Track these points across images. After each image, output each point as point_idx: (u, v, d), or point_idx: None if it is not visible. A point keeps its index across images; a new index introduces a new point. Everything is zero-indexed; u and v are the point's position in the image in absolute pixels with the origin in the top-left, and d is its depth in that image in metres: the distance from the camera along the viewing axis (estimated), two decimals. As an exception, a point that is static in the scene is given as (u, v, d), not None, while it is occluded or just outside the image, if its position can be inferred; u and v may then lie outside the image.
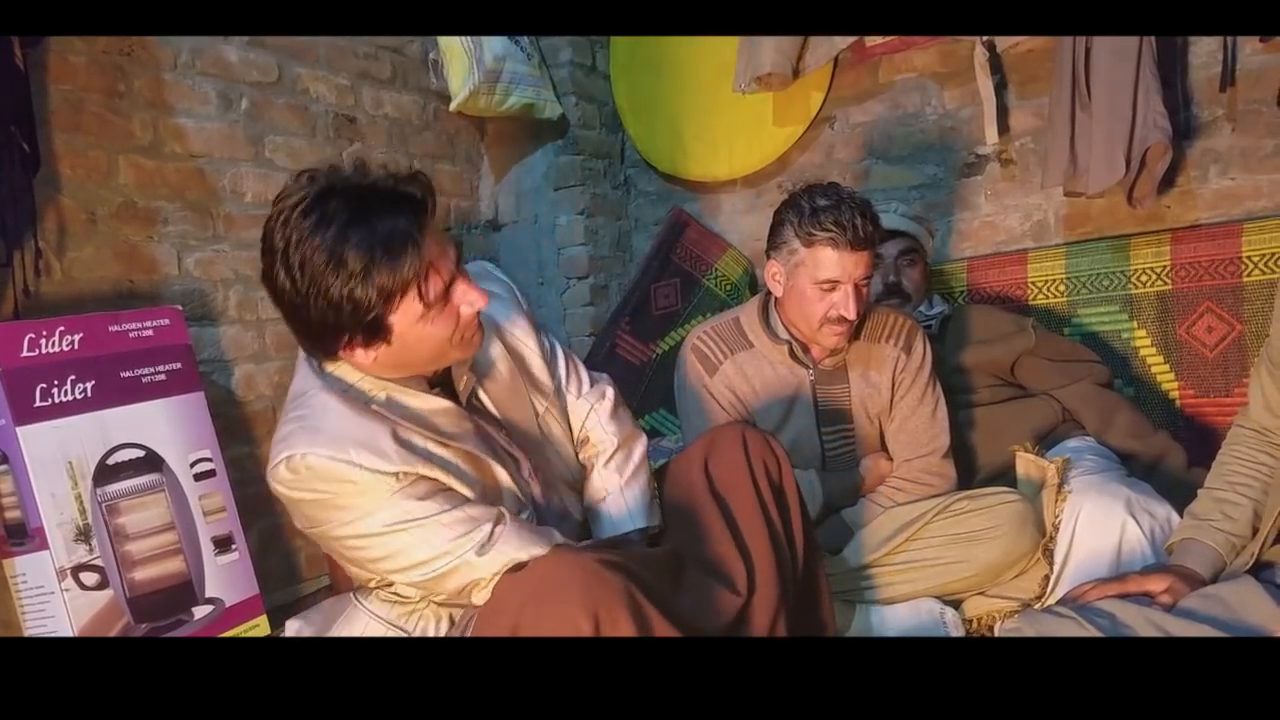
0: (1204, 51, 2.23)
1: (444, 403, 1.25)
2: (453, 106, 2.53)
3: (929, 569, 1.69)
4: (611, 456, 1.45)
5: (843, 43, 2.40)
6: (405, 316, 1.13)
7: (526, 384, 1.38)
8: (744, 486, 1.35)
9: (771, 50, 2.40)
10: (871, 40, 2.49)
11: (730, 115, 2.76)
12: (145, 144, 1.95)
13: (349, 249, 1.07)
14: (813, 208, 1.70)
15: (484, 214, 2.94)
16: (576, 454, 1.46)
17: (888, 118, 2.67)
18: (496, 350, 1.35)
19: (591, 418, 1.46)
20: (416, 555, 1.18)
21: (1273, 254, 1.99)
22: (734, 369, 1.86)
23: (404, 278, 1.10)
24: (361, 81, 2.46)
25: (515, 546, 1.19)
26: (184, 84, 2.03)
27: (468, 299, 1.18)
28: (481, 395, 1.33)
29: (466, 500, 1.22)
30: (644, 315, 2.80)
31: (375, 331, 1.13)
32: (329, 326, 1.12)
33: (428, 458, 1.20)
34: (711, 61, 2.73)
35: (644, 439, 1.50)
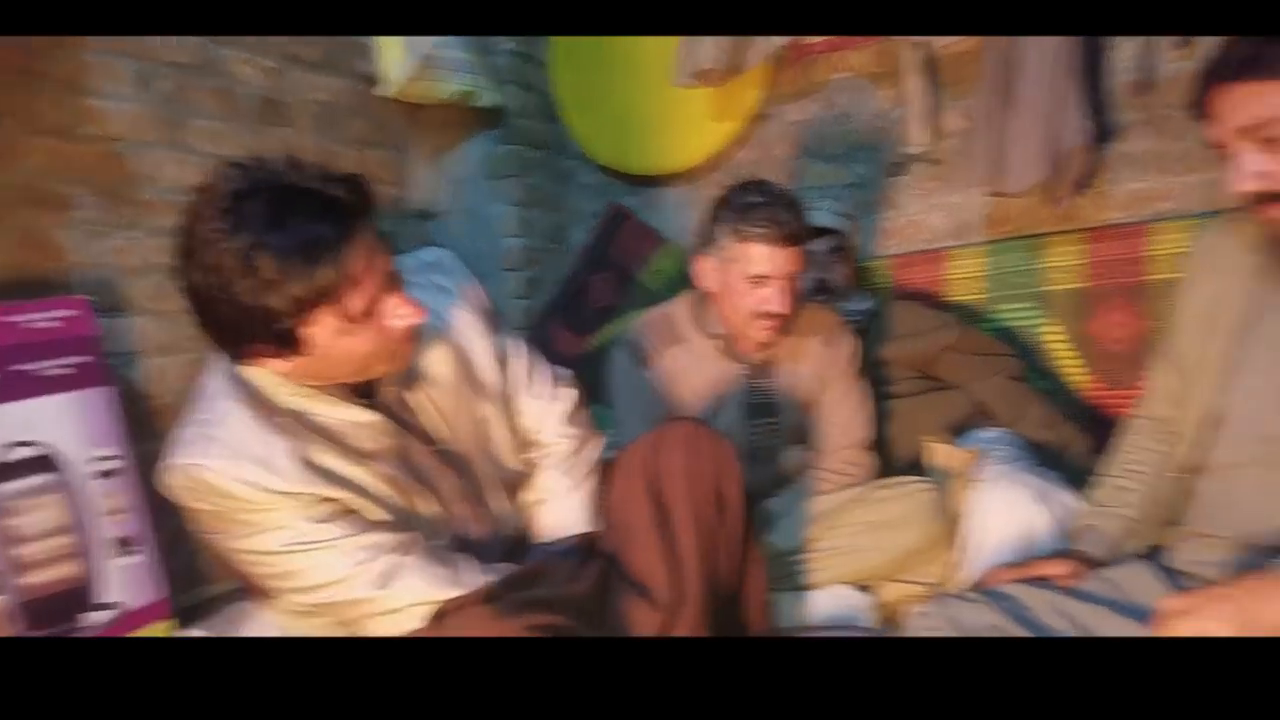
0: (1124, 55, 2.31)
1: (366, 415, 1.19)
2: (386, 92, 2.50)
3: (846, 556, 1.74)
4: (563, 459, 1.43)
5: (781, 40, 2.43)
6: (322, 329, 1.07)
7: (470, 389, 1.33)
8: (686, 488, 1.32)
9: (711, 45, 2.43)
10: (809, 38, 2.53)
11: (670, 109, 2.78)
12: (57, 125, 1.89)
13: (263, 255, 1.01)
14: (745, 204, 1.73)
15: (415, 203, 2.91)
16: (522, 457, 1.42)
17: (821, 116, 2.72)
18: (440, 354, 1.29)
19: (549, 419, 1.43)
20: (311, 579, 1.15)
21: (1176, 254, 2.07)
22: (666, 363, 1.89)
23: (320, 289, 1.04)
24: (290, 64, 2.41)
25: (422, 580, 1.17)
26: (101, 62, 1.97)
27: (398, 313, 1.12)
28: (417, 403, 1.26)
29: (373, 526, 1.17)
30: (579, 308, 2.80)
31: (287, 341, 1.07)
32: (238, 331, 1.07)
33: (332, 479, 1.15)
34: (652, 54, 2.74)
35: (600, 441, 1.49)
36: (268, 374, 1.15)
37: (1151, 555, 1.32)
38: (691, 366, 1.88)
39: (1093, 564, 1.32)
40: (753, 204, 1.72)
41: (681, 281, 2.89)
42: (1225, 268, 1.28)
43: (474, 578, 1.23)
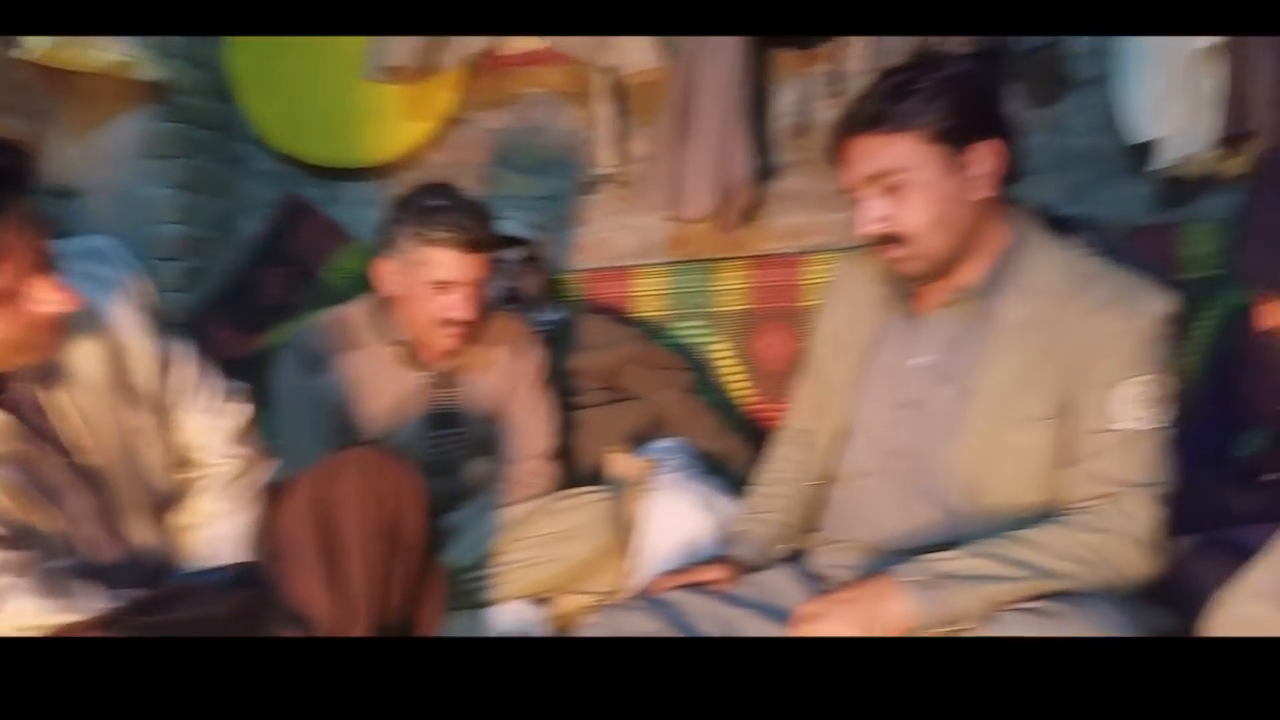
0: (785, 101, 2.54)
1: None
2: (29, 55, 2.19)
3: (524, 569, 1.76)
4: (226, 480, 1.33)
5: (476, 45, 2.43)
6: None
7: (123, 396, 1.22)
8: (359, 520, 1.27)
9: (403, 42, 2.37)
10: (504, 50, 2.56)
11: (359, 101, 2.67)
12: None
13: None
14: (427, 206, 1.70)
15: (55, 179, 2.56)
16: (177, 476, 1.31)
17: (517, 127, 2.74)
18: (91, 352, 1.18)
19: (213, 437, 1.33)
20: None
21: (826, 282, 2.32)
22: (339, 370, 1.80)
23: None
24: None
25: (32, 607, 1.07)
26: None
27: (45, 298, 1.03)
28: (55, 406, 1.15)
29: None
30: (247, 305, 2.61)
31: None
32: None
33: None
34: (341, 42, 2.62)
35: (268, 465, 1.40)
36: None
37: (795, 559, 1.46)
38: (370, 374, 1.81)
39: (745, 568, 1.43)
40: (436, 207, 1.69)
41: (367, 282, 2.80)
42: (856, 297, 1.45)
43: (93, 604, 1.13)
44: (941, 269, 1.31)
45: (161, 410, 1.28)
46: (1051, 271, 1.29)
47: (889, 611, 1.17)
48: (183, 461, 1.33)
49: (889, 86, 1.28)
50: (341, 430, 1.82)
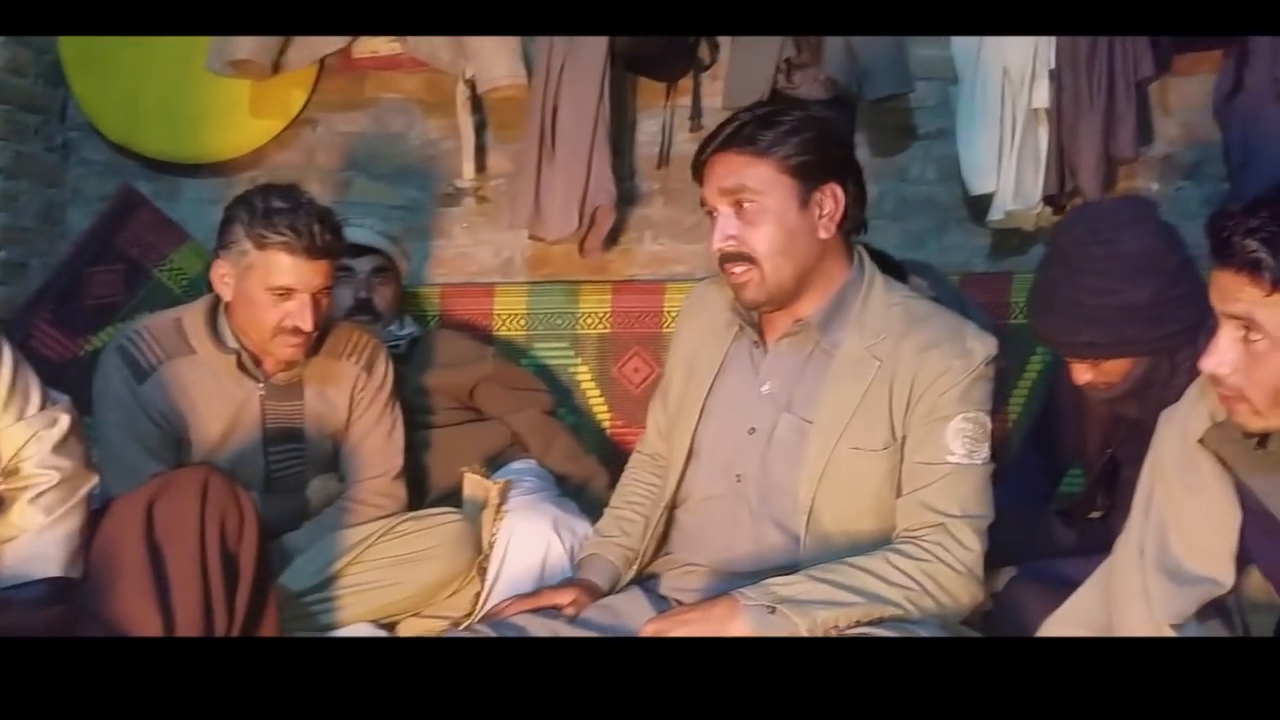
0: (647, 131, 2.59)
1: None
2: None
3: (368, 592, 1.70)
4: (44, 493, 1.26)
5: (328, 46, 2.36)
6: None
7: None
8: (189, 538, 1.25)
9: (249, 35, 2.28)
10: (359, 52, 2.50)
11: (201, 94, 2.55)
12: None
13: None
14: (267, 208, 1.62)
15: None
16: None
17: (372, 133, 2.68)
18: None
19: (31, 446, 1.26)
20: None
21: (679, 309, 2.37)
22: (169, 377, 1.70)
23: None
24: None
25: None
26: None
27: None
28: None
29: None
30: (73, 303, 2.43)
31: None
32: None
33: None
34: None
35: (94, 479, 1.34)
36: None
37: (645, 583, 1.48)
38: (201, 382, 1.72)
39: (596, 592, 1.44)
40: (277, 209, 1.62)
41: (205, 285, 2.66)
42: (707, 324, 1.49)
43: None
44: (781, 298, 1.36)
45: None
46: (884, 311, 1.38)
47: (731, 632, 1.22)
48: (6, 470, 1.27)
49: (760, 114, 1.36)
50: (171, 442, 1.72)
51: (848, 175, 1.38)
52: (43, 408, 1.30)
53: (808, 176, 1.33)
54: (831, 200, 1.35)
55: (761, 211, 1.32)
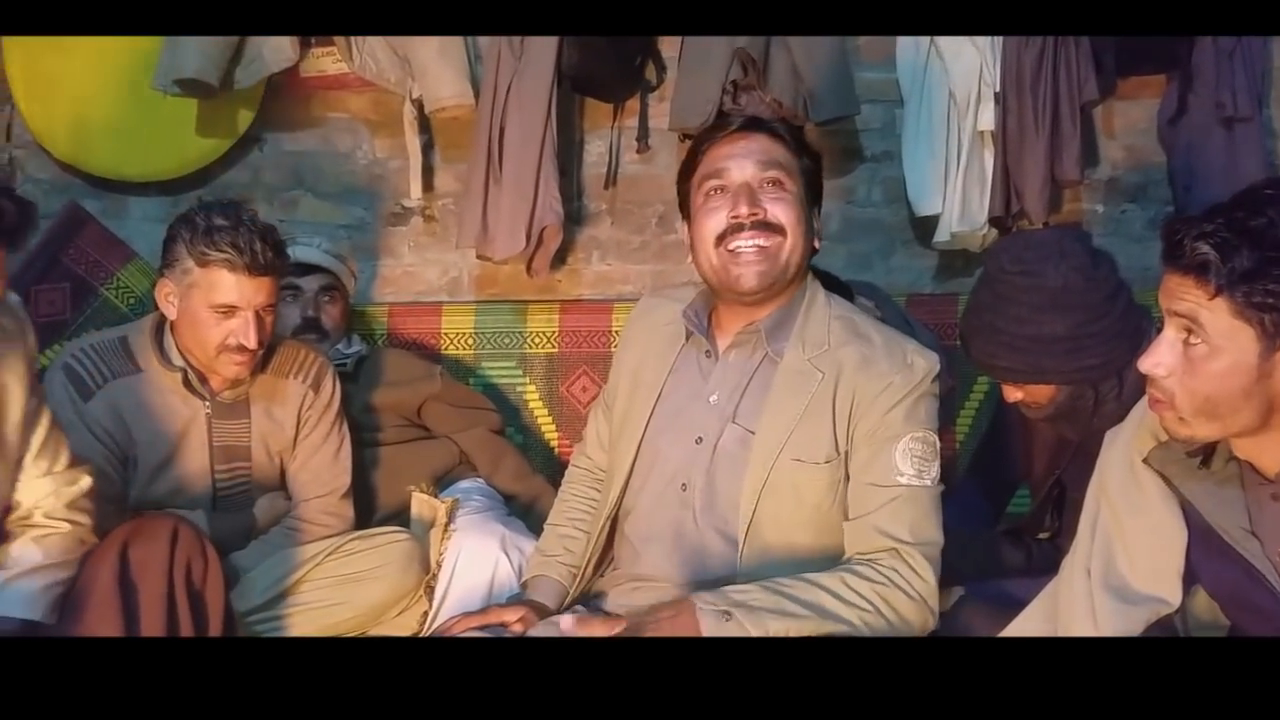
0: (594, 152, 2.60)
1: None
2: None
3: (313, 611, 1.68)
4: (48, 537, 1.30)
5: (275, 66, 2.35)
6: None
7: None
8: (159, 582, 1.30)
9: (196, 54, 2.26)
10: (306, 71, 2.48)
11: (147, 112, 2.51)
12: None
13: None
14: (209, 225, 1.62)
15: None
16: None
17: (319, 152, 2.66)
18: None
19: (50, 500, 1.31)
20: None
21: (625, 321, 2.36)
22: (114, 395, 1.68)
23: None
24: None
25: None
26: None
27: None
28: None
29: None
30: (14, 321, 2.37)
31: None
32: None
33: None
34: (128, 47, 2.47)
35: (96, 541, 1.37)
36: None
37: (590, 600, 1.47)
38: (147, 400, 1.70)
39: (542, 611, 1.43)
40: (217, 226, 1.62)
41: (151, 302, 2.61)
42: (652, 334, 1.50)
43: None
44: (779, 285, 1.38)
45: (16, 465, 1.30)
46: (825, 324, 1.40)
47: (686, 631, 1.22)
48: (22, 516, 1.33)
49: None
50: (117, 460, 1.70)
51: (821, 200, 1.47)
52: (69, 467, 1.36)
53: (810, 186, 1.42)
54: (817, 218, 1.43)
55: (786, 191, 1.38)
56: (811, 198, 1.42)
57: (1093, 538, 1.19)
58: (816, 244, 1.43)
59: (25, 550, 1.31)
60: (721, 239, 1.36)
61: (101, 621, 1.27)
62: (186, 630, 1.34)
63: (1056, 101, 2.22)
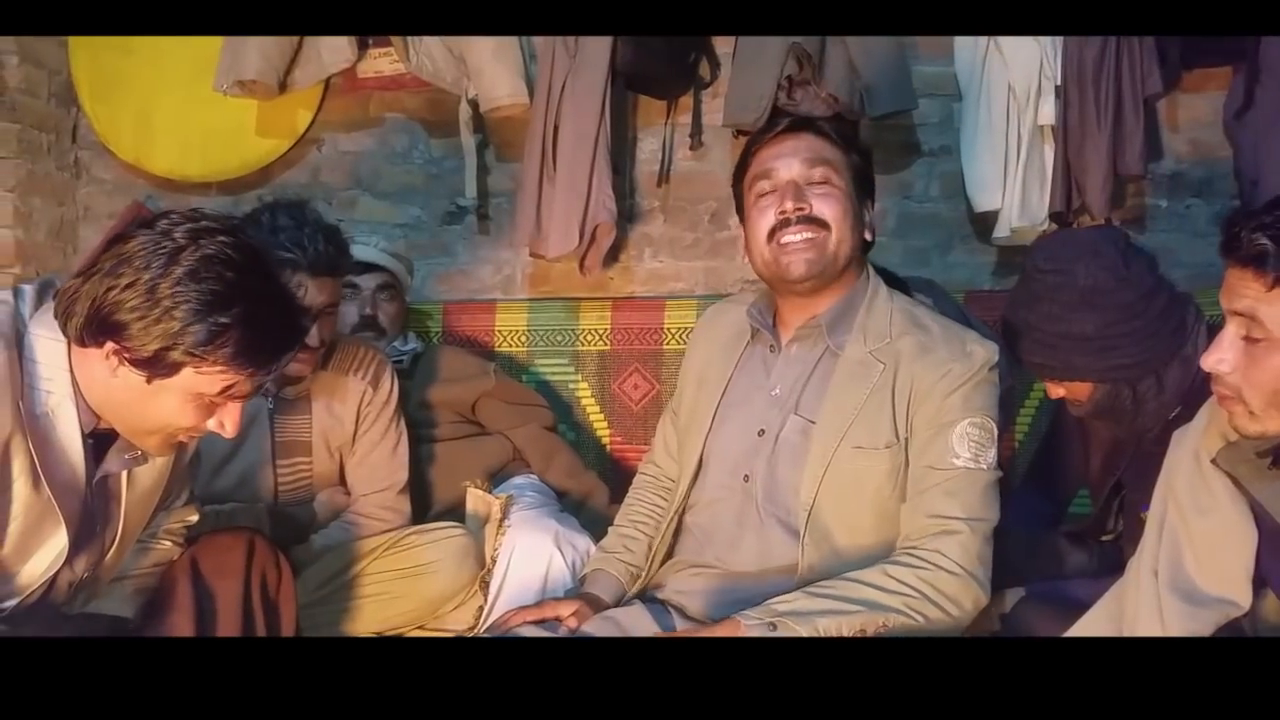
0: (647, 149, 2.61)
1: (79, 451, 1.14)
2: None
3: (373, 604, 1.70)
4: (149, 550, 1.40)
5: (333, 67, 2.39)
6: (131, 375, 1.08)
7: (157, 495, 1.32)
8: (235, 590, 1.37)
9: (257, 56, 2.30)
10: (364, 72, 2.51)
11: (209, 113, 2.57)
12: None
13: (186, 302, 1.04)
14: (274, 226, 1.63)
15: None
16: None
17: (377, 152, 2.70)
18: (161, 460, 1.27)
19: (161, 518, 1.41)
20: None
21: (685, 327, 2.37)
22: None
23: (174, 350, 1.06)
24: None
25: None
26: None
27: (220, 419, 1.15)
28: (125, 478, 1.24)
29: None
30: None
31: (103, 334, 1.07)
32: (102, 309, 1.06)
33: (4, 482, 1.09)
34: (190, 49, 2.53)
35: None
36: (61, 362, 1.11)
37: (647, 596, 1.48)
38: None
39: (598, 605, 1.44)
40: (282, 227, 1.63)
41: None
42: (716, 339, 1.53)
43: None
44: (829, 275, 1.40)
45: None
46: (887, 316, 1.42)
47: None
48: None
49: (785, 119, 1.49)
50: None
51: (874, 195, 1.50)
52: (187, 502, 1.45)
53: (860, 182, 1.44)
54: (869, 212, 1.46)
55: (832, 187, 1.40)
56: (861, 192, 1.45)
57: (1160, 539, 1.17)
58: (868, 236, 1.46)
59: (137, 563, 1.39)
60: (772, 235, 1.40)
61: (178, 624, 1.32)
62: (261, 634, 1.39)
63: (1119, 95, 2.17)
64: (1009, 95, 2.25)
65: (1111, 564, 1.55)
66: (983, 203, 2.31)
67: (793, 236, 1.38)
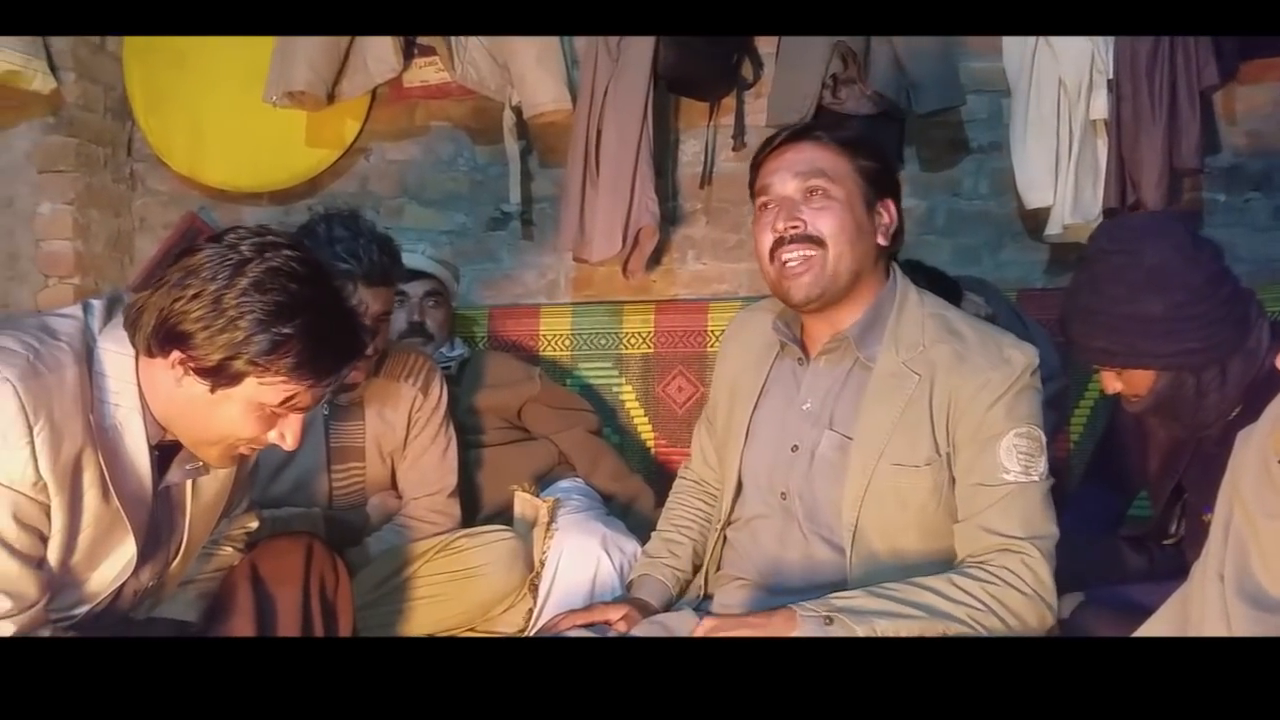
0: (690, 151, 2.61)
1: (146, 462, 1.17)
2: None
3: (425, 606, 1.72)
4: (211, 555, 1.44)
5: (380, 77, 2.42)
6: (196, 385, 1.11)
7: (221, 504, 1.35)
8: (294, 594, 1.39)
9: (305, 67, 2.34)
10: (409, 81, 2.55)
11: (259, 124, 2.62)
12: None
13: (250, 313, 1.07)
14: (330, 237, 1.66)
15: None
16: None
17: (423, 160, 2.73)
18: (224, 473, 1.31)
19: (223, 525, 1.44)
20: None
21: (723, 334, 2.35)
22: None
23: (238, 360, 1.08)
24: None
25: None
26: None
27: (281, 431, 1.17)
28: (189, 488, 1.27)
29: (37, 565, 1.12)
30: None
31: (169, 344, 1.10)
32: (168, 319, 1.09)
33: (75, 494, 1.11)
34: (240, 62, 2.58)
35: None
36: (129, 376, 1.13)
37: (697, 601, 1.47)
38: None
39: (646, 610, 1.43)
40: (338, 237, 1.66)
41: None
42: (747, 347, 1.49)
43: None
44: (831, 293, 1.34)
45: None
46: (919, 323, 1.37)
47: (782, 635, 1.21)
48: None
49: (830, 118, 1.42)
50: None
51: (897, 192, 1.41)
52: (247, 509, 1.48)
53: (871, 181, 1.37)
54: (887, 212, 1.38)
55: (830, 198, 1.34)
56: (877, 193, 1.37)
57: (1225, 542, 1.14)
58: (881, 240, 1.37)
59: (199, 569, 1.42)
60: (773, 255, 1.35)
61: (239, 628, 1.35)
62: (319, 629, 1.41)
63: (1174, 87, 2.13)
64: (1060, 90, 2.21)
65: (1172, 568, 1.51)
66: (1034, 200, 2.27)
67: (789, 255, 1.33)
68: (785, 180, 1.35)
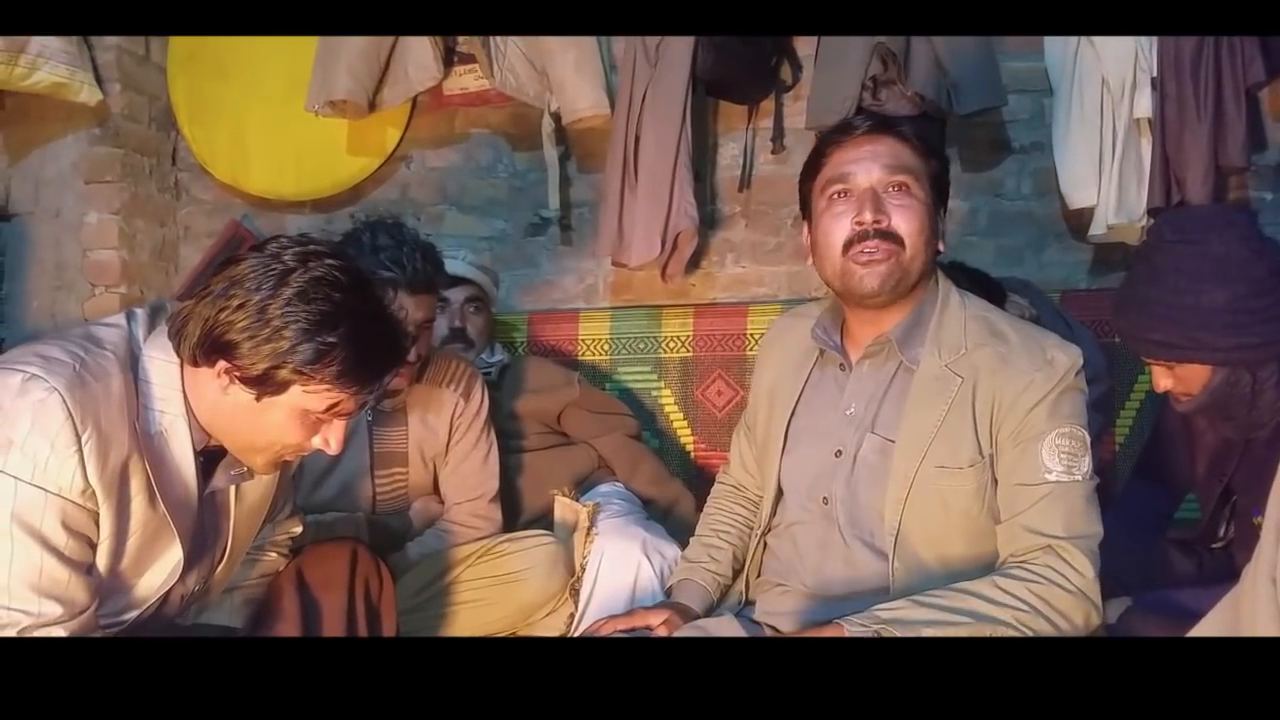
0: (728, 154, 2.60)
1: (191, 468, 1.19)
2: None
3: (467, 610, 1.74)
4: (256, 561, 1.45)
5: (420, 85, 2.44)
6: (241, 393, 1.12)
7: (264, 511, 1.38)
8: (339, 598, 1.41)
9: (345, 76, 2.37)
10: (449, 89, 2.57)
11: (301, 133, 2.65)
12: None
13: (295, 322, 1.08)
14: (374, 245, 1.68)
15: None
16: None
17: (463, 167, 2.75)
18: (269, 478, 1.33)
19: (267, 531, 1.45)
20: None
21: (762, 340, 2.35)
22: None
23: (283, 369, 1.10)
24: None
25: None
26: None
27: (325, 437, 1.19)
28: (233, 493, 1.29)
29: (86, 571, 1.13)
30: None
31: (215, 354, 1.11)
32: (214, 330, 1.10)
33: (123, 500, 1.13)
34: (282, 72, 2.62)
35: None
36: (174, 383, 1.15)
37: (738, 606, 1.47)
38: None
39: (687, 615, 1.43)
40: (381, 246, 1.68)
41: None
42: (785, 354, 1.48)
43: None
44: (898, 292, 1.33)
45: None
46: (961, 326, 1.35)
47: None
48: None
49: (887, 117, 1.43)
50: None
51: (947, 197, 1.41)
52: (291, 514, 1.50)
53: (937, 185, 1.36)
54: (943, 220, 1.38)
55: (910, 197, 1.32)
56: (937, 200, 1.37)
57: (1277, 545, 1.11)
58: (941, 247, 1.37)
59: (245, 574, 1.44)
60: (847, 247, 1.32)
61: (284, 633, 1.37)
62: (363, 631, 1.43)
63: (1219, 85, 2.09)
64: (1103, 89, 2.18)
65: (1221, 572, 1.49)
66: (1077, 200, 2.24)
67: (869, 251, 1.30)
68: (870, 170, 1.32)
